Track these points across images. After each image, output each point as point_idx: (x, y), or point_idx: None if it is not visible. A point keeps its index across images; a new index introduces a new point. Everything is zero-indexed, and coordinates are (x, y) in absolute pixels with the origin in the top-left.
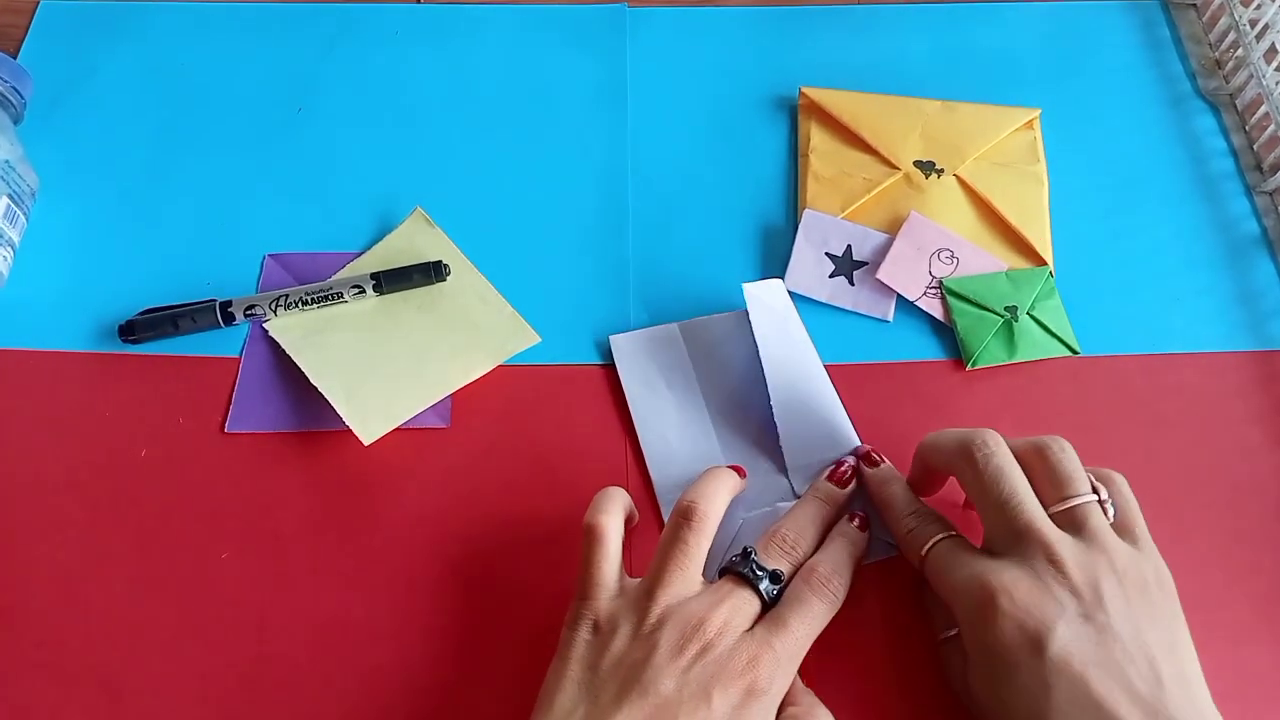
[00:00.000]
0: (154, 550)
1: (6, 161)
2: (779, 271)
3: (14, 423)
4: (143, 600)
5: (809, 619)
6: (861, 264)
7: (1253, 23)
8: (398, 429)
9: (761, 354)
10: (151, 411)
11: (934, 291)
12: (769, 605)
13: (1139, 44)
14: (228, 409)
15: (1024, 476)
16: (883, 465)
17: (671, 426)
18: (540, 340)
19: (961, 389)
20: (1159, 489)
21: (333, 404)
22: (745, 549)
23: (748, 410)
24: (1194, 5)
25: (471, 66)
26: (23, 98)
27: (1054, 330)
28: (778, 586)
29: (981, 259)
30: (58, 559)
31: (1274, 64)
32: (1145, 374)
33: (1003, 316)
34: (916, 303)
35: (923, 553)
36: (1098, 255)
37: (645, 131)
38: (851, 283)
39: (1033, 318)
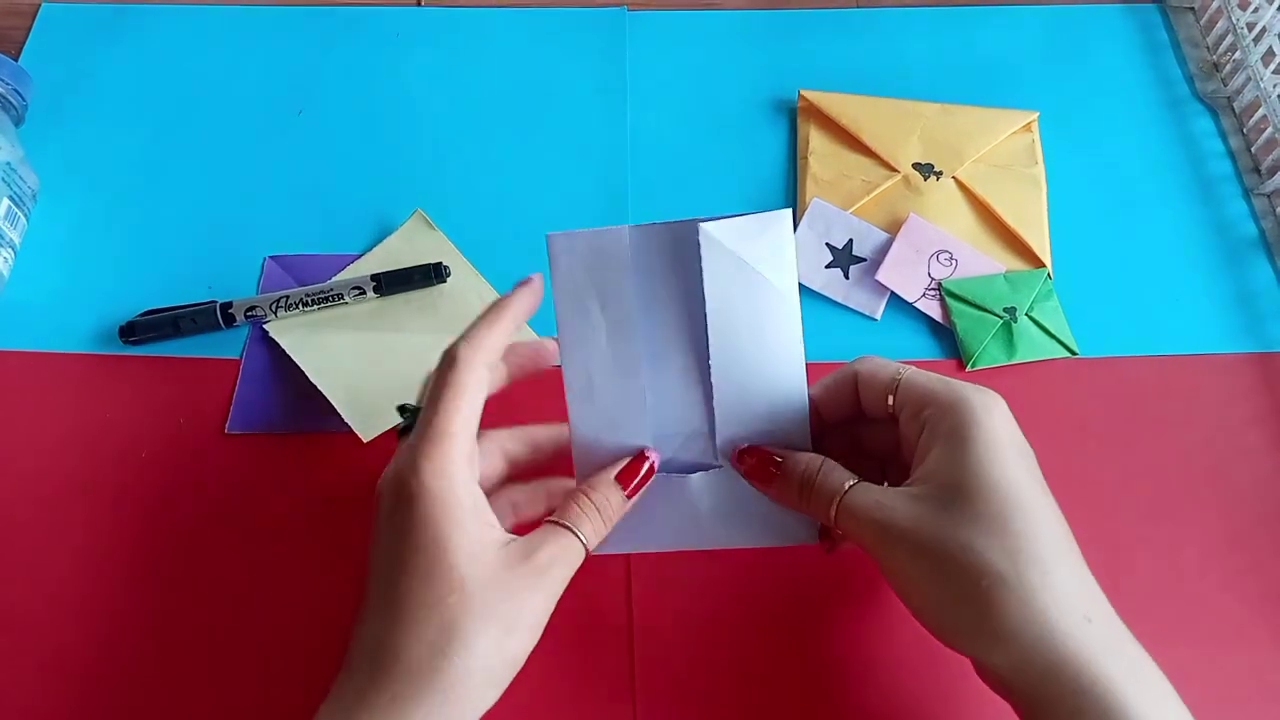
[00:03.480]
0: (154, 550)
1: (8, 163)
2: None
3: (15, 424)
4: (143, 600)
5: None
6: (860, 260)
7: (1250, 26)
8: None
9: (708, 307)
10: (152, 412)
11: (933, 293)
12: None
13: (1137, 47)
14: (228, 410)
15: None
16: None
17: (596, 358)
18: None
19: None
20: (1157, 489)
21: (333, 404)
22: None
23: (687, 353)
24: (1192, 9)
25: (472, 69)
26: (24, 100)
27: (1052, 331)
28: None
29: (980, 261)
30: (59, 559)
31: (1271, 67)
32: (1143, 375)
33: (1001, 318)
34: (915, 304)
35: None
36: (1096, 257)
37: (645, 134)
38: (846, 276)
39: (1031, 319)
